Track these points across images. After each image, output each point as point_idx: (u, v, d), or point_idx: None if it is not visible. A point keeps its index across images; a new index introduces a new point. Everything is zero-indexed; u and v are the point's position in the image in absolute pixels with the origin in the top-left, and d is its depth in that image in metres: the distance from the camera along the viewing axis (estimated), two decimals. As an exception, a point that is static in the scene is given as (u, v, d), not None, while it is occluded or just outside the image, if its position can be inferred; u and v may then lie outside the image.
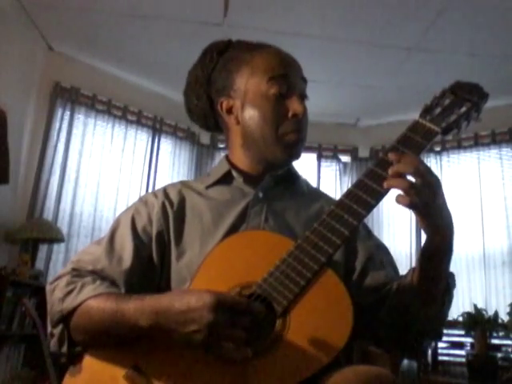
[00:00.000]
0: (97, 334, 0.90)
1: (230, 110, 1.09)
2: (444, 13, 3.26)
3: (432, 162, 4.54)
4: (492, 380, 3.33)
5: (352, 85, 4.33)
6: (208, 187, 1.11)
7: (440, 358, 3.78)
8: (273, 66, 1.06)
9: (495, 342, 3.64)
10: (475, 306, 3.64)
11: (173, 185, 1.14)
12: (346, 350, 0.80)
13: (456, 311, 3.64)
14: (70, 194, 3.92)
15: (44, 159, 3.82)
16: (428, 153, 4.47)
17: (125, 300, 0.88)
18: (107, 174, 4.15)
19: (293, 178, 1.14)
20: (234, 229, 1.01)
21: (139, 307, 0.85)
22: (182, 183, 1.14)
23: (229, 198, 1.07)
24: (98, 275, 0.97)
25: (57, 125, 3.95)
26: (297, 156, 1.08)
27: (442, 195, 0.84)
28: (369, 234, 1.12)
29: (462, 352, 3.69)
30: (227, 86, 1.09)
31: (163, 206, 1.06)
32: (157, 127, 4.55)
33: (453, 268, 0.93)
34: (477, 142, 4.45)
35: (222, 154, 4.76)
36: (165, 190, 1.11)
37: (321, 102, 4.16)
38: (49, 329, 0.97)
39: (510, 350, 3.64)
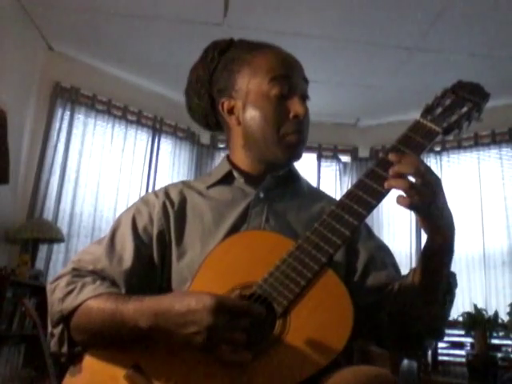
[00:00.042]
0: (97, 335, 0.90)
1: (231, 111, 1.09)
2: (444, 13, 3.26)
3: (432, 162, 4.54)
4: (492, 380, 3.33)
5: (352, 85, 4.33)
6: (209, 187, 1.10)
7: (440, 357, 3.78)
8: (274, 67, 1.05)
9: (495, 341, 3.64)
10: (475, 306, 3.64)
11: (174, 185, 1.14)
12: (346, 350, 0.80)
13: (456, 311, 3.64)
14: (70, 194, 3.92)
15: (44, 159, 3.82)
16: (428, 153, 4.47)
17: (124, 301, 0.88)
18: (107, 174, 4.15)
19: (294, 178, 1.13)
20: (234, 229, 1.01)
21: (138, 308, 0.85)
22: (183, 183, 1.14)
23: (230, 198, 1.07)
24: (99, 275, 0.97)
25: (57, 125, 3.95)
26: (298, 157, 1.08)
27: (443, 195, 0.84)
28: (370, 234, 1.12)
29: (462, 352, 3.69)
30: (228, 86, 1.09)
31: (164, 206, 1.05)
32: (157, 127, 4.55)
33: (453, 268, 0.92)
34: (477, 142, 4.45)
35: (222, 154, 4.77)
36: (166, 190, 1.10)
37: (321, 102, 4.16)
38: (49, 329, 0.97)
39: (510, 349, 3.64)
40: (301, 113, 1.03)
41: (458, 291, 0.96)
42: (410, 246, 4.42)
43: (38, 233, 3.38)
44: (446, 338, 3.71)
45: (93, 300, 0.91)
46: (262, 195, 1.05)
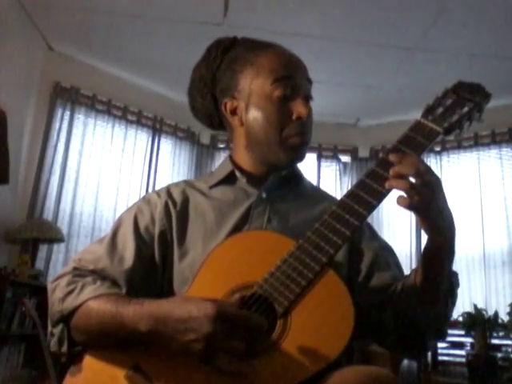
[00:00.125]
0: (96, 336, 0.90)
1: (234, 111, 1.08)
2: (444, 13, 3.26)
3: (432, 162, 4.54)
4: (492, 380, 3.33)
5: (352, 85, 4.33)
6: (211, 187, 1.10)
7: (440, 357, 3.78)
8: (277, 68, 1.04)
9: (495, 341, 3.64)
10: (475, 306, 3.64)
11: (176, 184, 1.14)
12: (347, 350, 0.80)
13: (456, 311, 3.64)
14: (70, 194, 3.92)
15: (44, 159, 3.82)
16: (428, 153, 4.47)
17: (125, 303, 0.87)
18: (107, 173, 4.15)
19: (296, 178, 1.13)
20: (236, 229, 1.00)
21: (138, 312, 0.85)
22: (186, 183, 1.14)
23: (232, 199, 1.06)
24: (99, 275, 0.97)
25: (57, 125, 3.95)
26: (301, 159, 1.07)
27: (443, 196, 0.83)
28: (374, 234, 1.11)
29: (462, 352, 3.69)
30: (231, 86, 1.08)
31: (166, 206, 1.05)
32: (157, 127, 4.55)
33: (453, 268, 0.92)
34: (477, 142, 4.45)
35: (222, 153, 4.78)
36: (168, 190, 1.10)
37: (321, 102, 4.14)
38: (49, 328, 0.97)
39: (510, 349, 3.64)
40: (304, 114, 1.02)
41: (458, 291, 0.96)
42: (410, 246, 4.42)
43: (38, 233, 3.38)
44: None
45: (93, 301, 0.90)
46: (264, 195, 1.05)
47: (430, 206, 0.80)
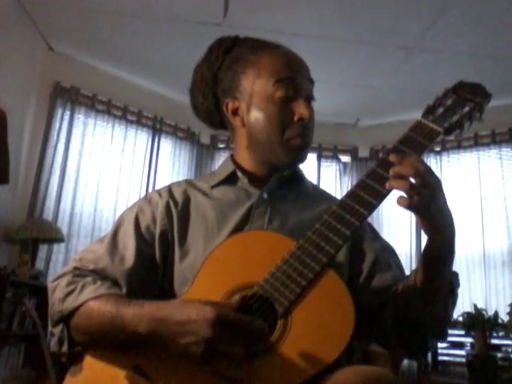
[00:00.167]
0: (96, 336, 0.90)
1: (235, 112, 1.08)
2: (444, 13, 3.26)
3: (432, 162, 4.55)
4: (492, 380, 3.33)
5: (352, 85, 4.33)
6: (213, 187, 1.10)
7: (440, 357, 3.79)
8: (279, 69, 1.04)
9: (495, 342, 3.65)
10: (475, 306, 3.65)
11: (178, 184, 1.13)
12: (347, 350, 0.80)
13: (456, 311, 3.63)
14: (70, 194, 3.92)
15: (44, 159, 3.82)
16: (428, 153, 4.47)
17: (125, 304, 0.87)
18: (107, 174, 4.16)
19: (298, 179, 1.12)
20: (237, 230, 1.00)
21: (138, 313, 0.85)
22: (187, 182, 1.13)
23: (233, 199, 1.06)
24: (100, 275, 0.97)
25: (57, 125, 3.95)
26: (302, 160, 1.07)
27: (443, 196, 0.83)
28: (375, 235, 1.11)
29: (462, 352, 3.69)
30: (233, 86, 1.08)
31: (167, 206, 1.05)
32: (157, 127, 4.55)
33: (453, 268, 0.92)
34: (477, 142, 4.45)
35: (222, 153, 4.78)
36: (170, 189, 1.10)
37: (321, 101, 4.14)
38: (49, 328, 0.97)
39: (510, 349, 3.65)
40: (306, 115, 1.02)
41: (458, 291, 0.96)
42: (409, 246, 4.42)
43: (38, 233, 3.38)
44: (446, 338, 3.71)
45: (93, 301, 0.90)
46: (265, 196, 1.05)
47: (429, 206, 0.80)
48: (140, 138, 4.46)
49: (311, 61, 1.11)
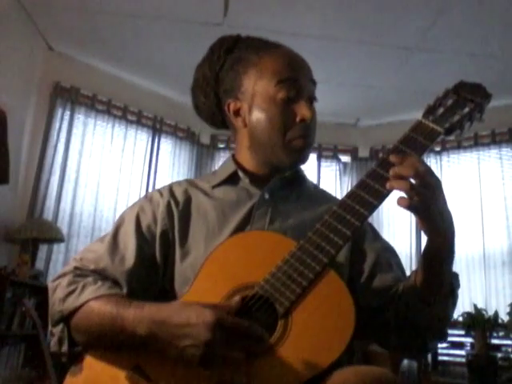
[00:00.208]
0: (96, 337, 0.90)
1: (237, 112, 1.08)
2: (444, 13, 3.26)
3: (432, 162, 4.55)
4: (492, 380, 3.33)
5: (352, 85, 4.33)
6: (214, 187, 1.10)
7: (440, 357, 3.78)
8: (281, 69, 1.03)
9: (495, 342, 3.65)
10: (475, 306, 3.64)
11: (179, 183, 1.13)
12: (348, 350, 0.80)
13: (456, 311, 3.63)
14: (70, 194, 3.92)
15: (44, 159, 3.82)
16: (428, 153, 4.46)
17: (125, 305, 0.88)
18: (107, 173, 4.15)
19: (299, 179, 1.12)
20: (238, 230, 1.00)
21: (138, 315, 0.85)
22: (188, 182, 1.13)
23: (234, 199, 1.06)
24: (100, 275, 0.97)
25: (57, 125, 3.95)
26: (304, 161, 1.07)
27: (443, 197, 0.83)
28: (376, 235, 1.11)
29: (462, 352, 3.69)
30: (235, 87, 1.07)
31: (168, 205, 1.05)
32: (157, 127, 4.55)
33: (453, 268, 0.92)
34: (477, 142, 4.45)
35: (222, 153, 4.78)
36: (171, 188, 1.09)
37: (321, 102, 4.14)
38: (49, 328, 0.97)
39: (510, 349, 3.64)
40: (308, 117, 1.01)
41: (458, 292, 0.96)
42: (409, 246, 4.42)
43: (38, 233, 3.37)
44: (445, 338, 3.71)
45: (93, 302, 0.90)
46: (267, 196, 1.04)
47: (429, 207, 0.80)
48: (140, 138, 4.46)
49: (311, 61, 1.11)
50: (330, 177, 4.94)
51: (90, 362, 0.91)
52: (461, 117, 0.91)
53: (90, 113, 4.17)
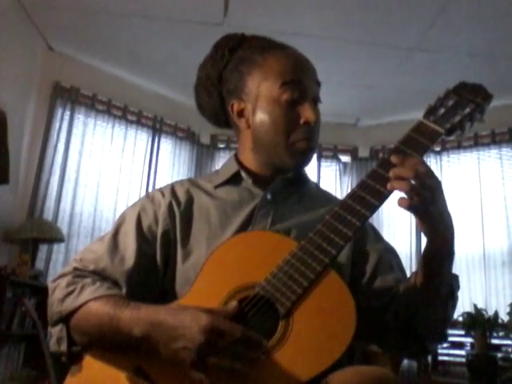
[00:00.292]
0: (95, 337, 0.90)
1: (240, 113, 1.07)
2: (444, 13, 3.26)
3: (432, 162, 4.54)
4: (492, 380, 3.33)
5: (352, 85, 4.33)
6: (216, 187, 1.09)
7: (440, 357, 3.78)
8: (286, 71, 1.03)
9: (495, 341, 3.64)
10: (475, 306, 3.64)
11: (181, 183, 1.13)
12: (348, 350, 0.80)
13: (456, 311, 3.63)
14: (70, 194, 3.92)
15: (44, 159, 3.82)
16: (428, 153, 4.47)
17: (123, 306, 0.87)
18: (107, 173, 4.15)
19: (302, 180, 1.12)
20: (241, 231, 1.00)
21: (135, 316, 0.85)
22: (190, 181, 1.13)
23: (237, 199, 1.06)
24: (100, 275, 0.97)
25: (57, 125, 3.95)
26: (307, 163, 1.07)
27: (443, 198, 0.84)
28: (378, 236, 1.11)
29: (462, 352, 3.69)
30: (238, 87, 1.07)
31: (170, 205, 1.04)
32: (157, 127, 4.55)
33: (453, 268, 0.92)
34: (477, 142, 4.45)
35: (222, 153, 4.77)
36: (172, 188, 1.09)
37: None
38: (49, 328, 0.97)
39: (510, 349, 3.64)
40: (312, 119, 1.01)
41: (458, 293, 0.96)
42: (409, 246, 4.42)
43: (38, 233, 3.37)
44: (445, 338, 3.71)
45: (92, 302, 0.90)
46: (269, 197, 1.04)
47: (429, 207, 0.80)
48: (140, 138, 4.46)
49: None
50: (329, 177, 4.94)
51: (90, 362, 0.91)
52: (462, 117, 0.91)
53: (89, 113, 4.17)
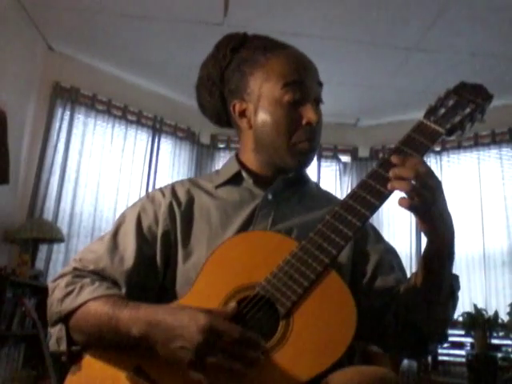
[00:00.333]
0: (94, 337, 0.90)
1: (242, 113, 1.07)
2: (444, 13, 3.26)
3: (432, 162, 4.54)
4: (492, 380, 3.33)
5: (352, 85, 4.33)
6: (217, 187, 1.09)
7: (440, 357, 3.78)
8: (288, 72, 1.03)
9: (495, 342, 3.64)
10: (475, 306, 3.64)
11: (181, 183, 1.13)
12: (349, 350, 0.80)
13: (456, 311, 3.64)
14: (70, 194, 3.92)
15: (44, 159, 3.82)
16: (428, 153, 4.47)
17: (121, 306, 0.88)
18: (107, 173, 4.15)
19: (303, 181, 1.12)
20: (241, 231, 1.00)
21: (134, 315, 0.85)
22: (191, 181, 1.13)
23: (237, 199, 1.06)
24: (99, 275, 0.97)
25: (57, 125, 3.95)
26: (308, 164, 1.07)
27: (443, 199, 0.84)
28: (378, 237, 1.11)
29: (462, 352, 3.69)
30: (240, 87, 1.07)
31: (170, 206, 1.04)
32: (157, 127, 4.55)
33: (453, 268, 0.92)
34: (477, 142, 4.45)
35: (222, 153, 4.78)
36: (173, 188, 1.09)
37: (321, 102, 4.15)
38: (49, 328, 0.97)
39: (510, 349, 3.64)
40: (314, 120, 1.01)
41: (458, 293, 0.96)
42: (409, 246, 4.42)
43: (38, 233, 3.37)
44: (446, 338, 3.71)
45: (91, 302, 0.90)
46: (270, 197, 1.04)
47: (430, 207, 0.80)
48: (140, 138, 4.46)
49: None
50: (330, 177, 4.94)
51: (90, 361, 0.91)
52: (462, 117, 0.91)
53: (89, 113, 4.17)
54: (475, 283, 4.14)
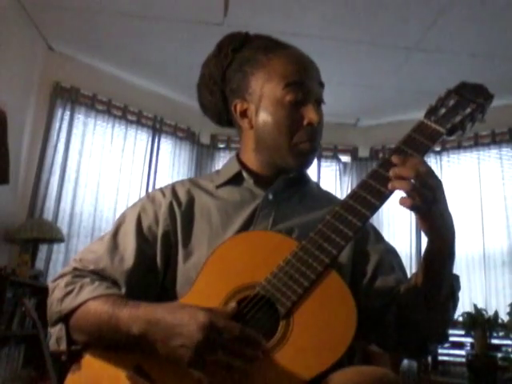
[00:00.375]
0: (94, 337, 0.90)
1: (244, 113, 1.07)
2: (444, 13, 3.26)
3: (432, 162, 4.54)
4: (492, 380, 3.33)
5: (352, 85, 4.33)
6: (218, 187, 1.09)
7: (440, 357, 3.78)
8: (289, 72, 1.03)
9: (495, 342, 3.64)
10: (475, 306, 3.64)
11: (182, 183, 1.13)
12: (349, 350, 0.80)
13: (456, 311, 3.63)
14: (70, 194, 3.92)
15: (44, 159, 3.81)
16: (428, 153, 4.47)
17: (121, 305, 0.88)
18: (107, 173, 4.15)
19: (304, 181, 1.12)
20: (242, 231, 1.00)
21: (133, 314, 0.85)
22: (191, 181, 1.13)
23: (238, 199, 1.06)
24: (99, 275, 0.97)
25: (57, 125, 3.94)
26: (309, 164, 1.07)
27: (444, 199, 0.84)
28: (379, 237, 1.11)
29: (462, 352, 3.69)
30: (242, 87, 1.07)
31: (171, 206, 1.04)
32: (157, 127, 4.55)
33: (453, 270, 0.92)
34: (477, 142, 4.45)
35: (222, 153, 4.77)
36: (173, 188, 1.09)
37: (321, 102, 4.15)
38: (49, 328, 0.97)
39: (510, 349, 3.64)
40: (315, 120, 1.01)
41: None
42: (409, 246, 4.42)
43: (38, 233, 3.37)
44: (446, 339, 3.71)
45: (91, 302, 0.90)
46: (270, 197, 1.04)
47: (431, 207, 0.80)
48: (140, 138, 4.45)
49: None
50: (330, 177, 4.94)
51: (90, 360, 0.91)
52: (462, 117, 0.91)
53: (90, 113, 4.16)
54: (475, 283, 4.13)
